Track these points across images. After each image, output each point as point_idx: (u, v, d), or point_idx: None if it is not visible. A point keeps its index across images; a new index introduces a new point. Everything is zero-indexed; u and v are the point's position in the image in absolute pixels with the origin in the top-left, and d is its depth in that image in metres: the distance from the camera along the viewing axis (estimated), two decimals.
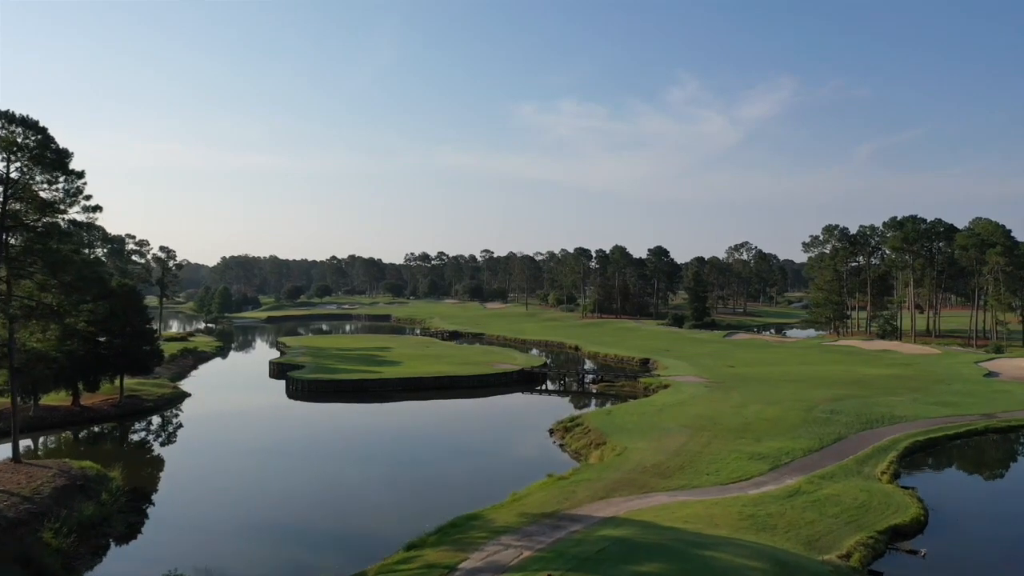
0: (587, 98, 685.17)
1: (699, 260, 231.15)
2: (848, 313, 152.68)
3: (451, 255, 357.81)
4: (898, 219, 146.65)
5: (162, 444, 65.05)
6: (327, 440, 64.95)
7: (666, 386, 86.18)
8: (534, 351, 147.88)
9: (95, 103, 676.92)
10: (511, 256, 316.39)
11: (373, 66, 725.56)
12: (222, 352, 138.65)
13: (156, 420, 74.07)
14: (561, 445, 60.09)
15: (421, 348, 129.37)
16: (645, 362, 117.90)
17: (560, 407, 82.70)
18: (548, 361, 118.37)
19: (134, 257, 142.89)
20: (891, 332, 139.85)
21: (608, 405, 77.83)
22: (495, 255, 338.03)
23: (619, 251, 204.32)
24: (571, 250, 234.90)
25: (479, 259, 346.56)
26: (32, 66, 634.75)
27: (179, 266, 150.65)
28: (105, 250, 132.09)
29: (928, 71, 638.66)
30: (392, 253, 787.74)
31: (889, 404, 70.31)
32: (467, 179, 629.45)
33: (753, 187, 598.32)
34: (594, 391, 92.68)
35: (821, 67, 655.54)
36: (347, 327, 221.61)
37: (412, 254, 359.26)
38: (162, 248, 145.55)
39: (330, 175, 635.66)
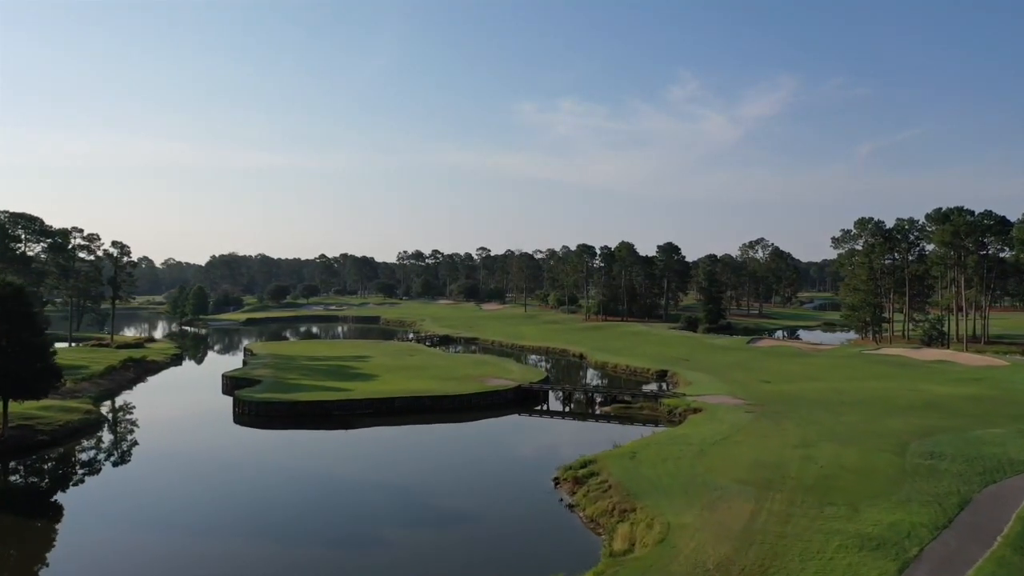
0: (587, 97, 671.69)
1: (711, 258, 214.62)
2: (888, 316, 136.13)
3: (446, 253, 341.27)
4: (943, 210, 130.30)
5: (31, 504, 48.46)
6: (258, 495, 48.35)
7: (697, 410, 69.76)
8: (532, 358, 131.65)
9: (91, 101, 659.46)
10: (509, 254, 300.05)
11: (373, 65, 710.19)
12: (178, 361, 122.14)
13: (46, 460, 57.52)
14: (571, 505, 43.70)
15: (403, 357, 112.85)
16: (662, 374, 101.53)
17: (566, 438, 66.37)
18: (549, 374, 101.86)
19: (81, 254, 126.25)
20: (937, 338, 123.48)
21: (628, 439, 61.32)
22: (492, 253, 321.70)
23: (626, 248, 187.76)
24: (572, 248, 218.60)
25: (475, 257, 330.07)
26: (28, 62, 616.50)
27: (134, 263, 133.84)
28: (44, 245, 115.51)
29: (928, 70, 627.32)
30: (386, 252, 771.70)
31: (995, 440, 53.85)
32: (466, 178, 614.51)
33: (754, 186, 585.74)
34: (607, 413, 76.29)
35: (821, 66, 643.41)
36: (332, 330, 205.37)
37: (405, 252, 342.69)
38: (115, 243, 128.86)
39: (327, 173, 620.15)
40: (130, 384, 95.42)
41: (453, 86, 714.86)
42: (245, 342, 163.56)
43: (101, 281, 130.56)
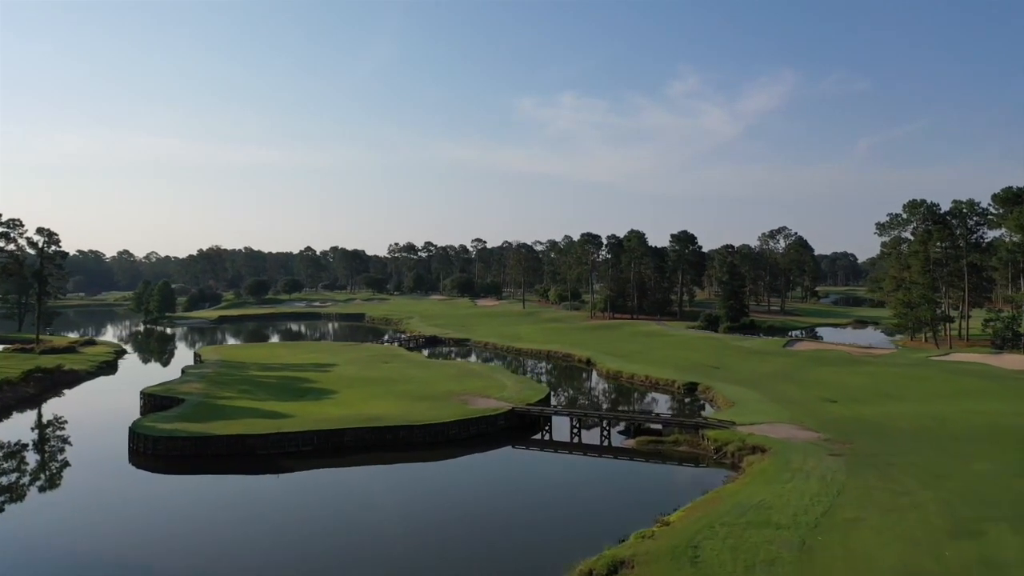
0: (587, 92, 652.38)
1: (727, 249, 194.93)
2: (950, 315, 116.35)
3: (440, 245, 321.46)
4: (1013, 190, 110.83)
5: None
6: None
7: (758, 449, 50.53)
8: (531, 363, 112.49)
9: (83, 97, 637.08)
10: (506, 246, 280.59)
11: (373, 60, 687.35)
12: (109, 369, 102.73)
13: None
14: None
15: (374, 366, 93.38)
16: (691, 388, 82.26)
17: (578, 494, 47.10)
18: (551, 389, 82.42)
19: None
20: (1011, 340, 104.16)
21: (670, 499, 42.05)
22: (488, 245, 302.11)
23: (636, 237, 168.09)
24: (575, 238, 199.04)
25: (470, 250, 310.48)
26: (23, 59, 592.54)
27: (64, 254, 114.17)
28: None
29: (928, 65, 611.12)
30: (381, 246, 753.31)
31: None
32: (466, 173, 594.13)
33: (754, 181, 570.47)
34: (630, 448, 57.05)
35: (822, 60, 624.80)
36: (310, 329, 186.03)
37: (396, 244, 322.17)
38: (40, 230, 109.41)
39: (323, 169, 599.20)
40: (24, 404, 75.99)
41: (452, 81, 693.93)
42: (209, 342, 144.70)
43: (24, 274, 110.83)
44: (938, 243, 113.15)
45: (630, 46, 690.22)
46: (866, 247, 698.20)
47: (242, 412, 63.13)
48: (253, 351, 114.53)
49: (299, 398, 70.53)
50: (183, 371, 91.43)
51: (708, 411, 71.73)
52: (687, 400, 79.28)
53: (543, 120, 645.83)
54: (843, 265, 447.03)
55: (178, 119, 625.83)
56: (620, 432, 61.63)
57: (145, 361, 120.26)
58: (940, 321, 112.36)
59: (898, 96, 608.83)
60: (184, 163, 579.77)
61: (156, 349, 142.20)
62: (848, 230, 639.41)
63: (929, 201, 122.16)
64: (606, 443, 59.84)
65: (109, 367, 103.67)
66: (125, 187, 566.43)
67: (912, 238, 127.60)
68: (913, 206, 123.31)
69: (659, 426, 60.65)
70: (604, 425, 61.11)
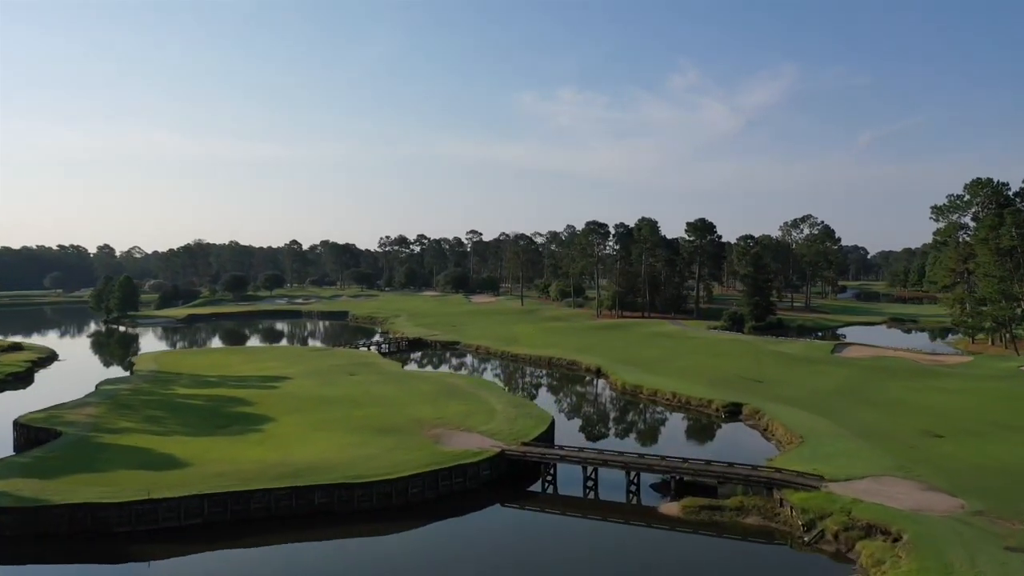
0: (587, 86, 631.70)
1: (747, 240, 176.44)
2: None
3: (433, 238, 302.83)
4: None
5: None
6: None
7: (875, 530, 33.07)
8: (528, 371, 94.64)
9: (82, 91, 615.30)
10: (504, 239, 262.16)
11: (370, 54, 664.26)
12: (18, 382, 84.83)
13: None
14: None
15: (335, 380, 75.20)
16: (733, 411, 64.28)
17: None
18: (554, 413, 64.24)
19: None
20: None
21: None
22: (484, 238, 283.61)
23: (648, 226, 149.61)
24: (579, 229, 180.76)
25: (465, 242, 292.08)
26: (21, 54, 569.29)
27: None
28: None
29: (928, 58, 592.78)
30: (373, 240, 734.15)
31: None
32: (464, 168, 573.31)
33: (755, 175, 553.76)
34: (673, 517, 39.15)
35: (822, 54, 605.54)
36: (287, 329, 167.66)
37: (387, 238, 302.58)
38: None
39: (320, 163, 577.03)
40: None
41: (451, 76, 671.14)
42: (180, 343, 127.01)
43: None
44: (1012, 228, 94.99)
45: (630, 40, 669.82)
46: (875, 242, 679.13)
47: (125, 456, 45.24)
48: (198, 358, 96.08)
49: (217, 430, 52.55)
50: (97, 386, 73.37)
51: (762, 442, 54.07)
52: (722, 418, 61.40)
53: (543, 115, 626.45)
54: (854, 259, 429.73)
55: (173, 114, 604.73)
56: (654, 486, 43.70)
57: (74, 369, 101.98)
58: (1016, 323, 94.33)
59: (899, 89, 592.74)
60: (176, 158, 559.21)
61: (102, 353, 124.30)
62: (853, 224, 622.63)
63: (997, 180, 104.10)
64: (634, 500, 42.15)
65: (19, 380, 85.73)
66: (116, 182, 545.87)
67: (972, 224, 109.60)
68: (976, 186, 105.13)
69: (713, 480, 42.50)
70: (632, 478, 43.13)
